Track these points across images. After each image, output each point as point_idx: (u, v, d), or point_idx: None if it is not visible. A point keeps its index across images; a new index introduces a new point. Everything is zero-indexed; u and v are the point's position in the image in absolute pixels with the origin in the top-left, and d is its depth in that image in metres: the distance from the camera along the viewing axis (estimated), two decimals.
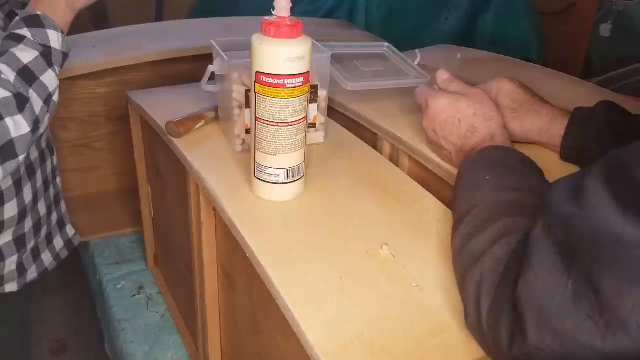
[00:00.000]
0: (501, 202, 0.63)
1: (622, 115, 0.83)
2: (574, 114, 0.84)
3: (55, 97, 0.85)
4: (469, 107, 0.79)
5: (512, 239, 0.56)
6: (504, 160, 0.71)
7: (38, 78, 0.81)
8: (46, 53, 0.83)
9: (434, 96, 0.82)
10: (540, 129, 0.86)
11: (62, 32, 0.85)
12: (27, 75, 0.80)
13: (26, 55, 0.81)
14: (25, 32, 0.82)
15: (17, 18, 0.84)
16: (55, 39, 0.84)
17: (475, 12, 1.94)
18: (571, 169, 0.84)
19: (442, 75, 0.87)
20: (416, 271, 0.66)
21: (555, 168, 0.81)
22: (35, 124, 0.80)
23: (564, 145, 0.84)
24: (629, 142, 0.71)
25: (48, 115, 0.84)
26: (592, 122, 0.82)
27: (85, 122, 1.46)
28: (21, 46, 0.81)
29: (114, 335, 1.27)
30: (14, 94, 0.77)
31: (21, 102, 0.78)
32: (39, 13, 0.84)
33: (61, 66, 0.86)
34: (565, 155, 0.85)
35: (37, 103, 0.81)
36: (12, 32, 0.82)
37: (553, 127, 0.85)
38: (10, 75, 0.78)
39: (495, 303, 0.54)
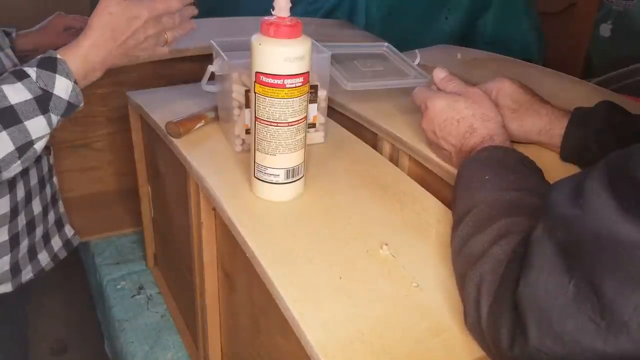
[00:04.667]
0: (501, 202, 0.63)
1: (622, 116, 0.83)
2: (574, 114, 0.84)
3: (38, 145, 0.79)
4: (468, 107, 0.79)
5: (512, 240, 0.56)
6: (503, 160, 0.71)
7: (22, 122, 0.76)
8: (43, 98, 0.78)
9: (433, 97, 0.82)
10: (540, 129, 0.86)
11: (75, 82, 0.81)
12: (7, 116, 0.75)
13: (17, 95, 0.76)
14: (32, 71, 0.78)
15: (39, 56, 0.80)
16: (62, 87, 0.79)
17: (475, 12, 1.94)
18: (571, 169, 0.84)
19: (439, 74, 0.87)
20: (416, 271, 0.66)
21: (555, 168, 0.81)
22: None
23: (564, 145, 0.84)
24: (629, 143, 0.71)
25: (19, 162, 0.78)
26: (592, 122, 0.82)
27: (85, 122, 1.46)
28: (18, 85, 0.76)
29: (114, 335, 1.27)
30: None
31: None
32: (57, 57, 0.80)
33: (63, 115, 0.81)
34: (565, 155, 0.85)
35: (5, 147, 0.75)
36: (21, 67, 0.79)
37: (553, 127, 0.85)
38: None
39: (495, 304, 0.53)
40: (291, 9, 0.69)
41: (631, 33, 2.03)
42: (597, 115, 0.82)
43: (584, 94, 1.14)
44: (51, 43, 1.25)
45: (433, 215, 0.77)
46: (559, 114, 0.86)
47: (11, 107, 0.75)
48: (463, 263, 0.61)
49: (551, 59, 1.98)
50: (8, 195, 0.91)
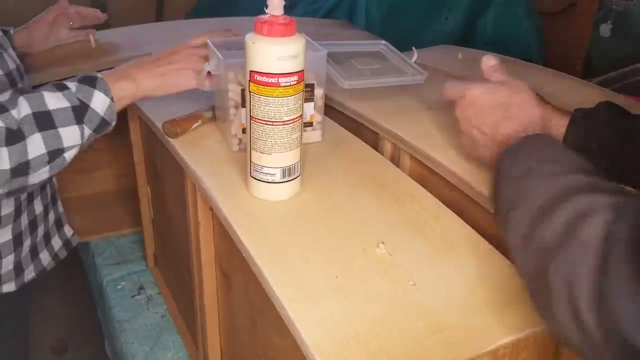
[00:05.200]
0: (562, 184, 0.56)
1: (622, 116, 0.82)
2: (575, 115, 0.84)
3: (68, 155, 0.81)
4: (507, 96, 0.78)
5: (598, 219, 0.48)
6: (548, 147, 0.68)
7: (56, 128, 0.78)
8: (79, 109, 0.80)
9: (472, 85, 0.80)
10: (540, 129, 0.85)
11: (112, 100, 0.84)
12: (43, 120, 0.77)
13: (55, 102, 0.79)
14: (72, 85, 0.81)
15: (80, 74, 0.84)
16: (99, 102, 0.82)
17: (475, 12, 1.93)
18: None
19: (489, 62, 0.83)
20: (413, 269, 0.66)
21: None
22: (21, 166, 0.76)
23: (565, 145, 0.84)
24: (631, 143, 0.70)
25: (48, 167, 0.79)
26: (593, 123, 0.81)
27: None
28: (58, 94, 0.79)
29: (114, 335, 1.27)
30: (9, 127, 0.74)
31: (12, 137, 0.75)
32: (97, 75, 0.84)
33: (95, 130, 0.83)
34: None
35: (36, 148, 0.77)
36: (62, 81, 0.82)
37: (552, 127, 0.85)
38: (24, 112, 0.76)
39: (605, 291, 0.45)
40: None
41: (631, 33, 2.02)
42: (597, 116, 0.82)
43: (584, 94, 1.14)
44: (44, 37, 1.25)
45: (431, 214, 0.76)
46: (559, 113, 0.85)
47: (49, 112, 0.78)
48: (536, 256, 0.53)
49: (551, 59, 1.98)
50: None
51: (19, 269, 0.98)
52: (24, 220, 0.97)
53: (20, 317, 1.10)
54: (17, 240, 0.96)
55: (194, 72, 0.91)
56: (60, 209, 1.10)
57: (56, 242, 1.08)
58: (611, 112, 0.82)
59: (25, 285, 1.01)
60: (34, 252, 1.01)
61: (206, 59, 0.90)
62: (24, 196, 0.94)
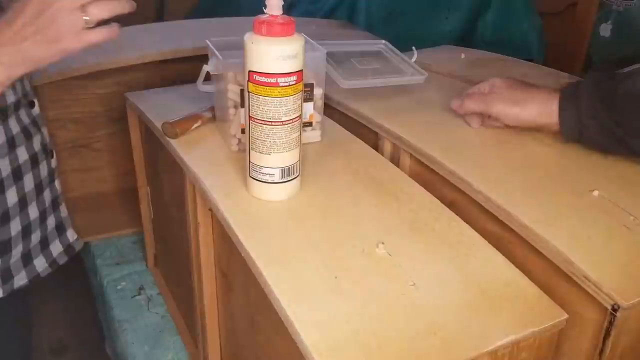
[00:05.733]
0: None
1: (608, 81, 0.83)
2: (564, 92, 0.85)
3: None
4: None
5: None
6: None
7: None
8: None
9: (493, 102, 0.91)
10: (540, 112, 0.86)
11: None
12: None
13: None
14: None
15: None
16: None
17: (475, 12, 1.94)
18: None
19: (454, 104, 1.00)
20: (412, 270, 0.66)
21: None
22: None
23: (562, 121, 0.84)
24: (619, 106, 0.75)
25: None
26: (584, 98, 0.82)
27: (85, 122, 1.47)
28: None
29: (114, 336, 1.27)
30: None
31: None
32: None
33: None
34: (565, 130, 0.85)
35: None
36: None
37: (550, 105, 0.85)
38: None
39: None
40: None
41: (631, 33, 2.02)
42: (586, 89, 0.82)
43: None
44: None
45: (430, 214, 0.76)
46: (553, 92, 0.86)
47: None
48: None
49: (551, 59, 1.98)
50: None
51: (7, 275, 0.95)
52: (15, 226, 0.93)
53: (20, 319, 1.09)
54: (4, 247, 0.92)
55: (73, 33, 0.71)
56: (64, 213, 1.07)
57: (55, 248, 1.04)
58: (596, 81, 0.84)
59: (21, 289, 0.98)
60: (27, 259, 0.98)
61: (82, 8, 0.71)
62: (12, 202, 0.91)
